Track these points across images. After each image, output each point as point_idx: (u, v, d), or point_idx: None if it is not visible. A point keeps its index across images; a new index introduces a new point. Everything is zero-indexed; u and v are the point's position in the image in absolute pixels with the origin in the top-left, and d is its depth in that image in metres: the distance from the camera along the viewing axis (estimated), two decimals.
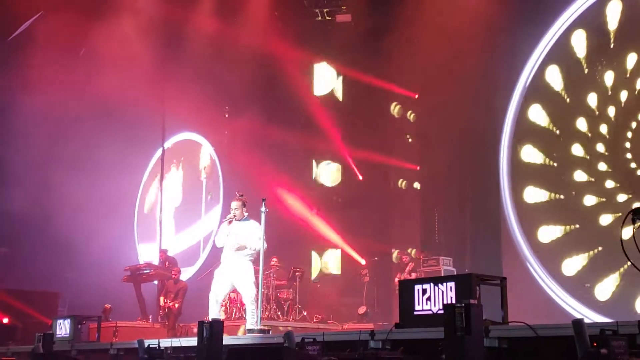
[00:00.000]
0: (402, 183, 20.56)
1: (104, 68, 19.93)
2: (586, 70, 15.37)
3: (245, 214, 11.15)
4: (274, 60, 19.68)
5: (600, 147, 14.86)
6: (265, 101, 20.66)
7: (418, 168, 19.95)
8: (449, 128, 18.51)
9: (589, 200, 14.94)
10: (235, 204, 11.15)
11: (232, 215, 11.07)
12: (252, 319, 10.91)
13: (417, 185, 20.40)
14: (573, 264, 14.99)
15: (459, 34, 16.70)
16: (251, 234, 10.97)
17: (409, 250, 18.19)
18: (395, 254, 19.51)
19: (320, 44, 20.30)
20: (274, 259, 16.66)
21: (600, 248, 14.49)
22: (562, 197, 15.65)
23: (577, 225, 15.20)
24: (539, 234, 15.88)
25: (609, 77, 14.87)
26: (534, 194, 16.23)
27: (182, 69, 21.18)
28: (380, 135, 20.62)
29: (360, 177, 20.47)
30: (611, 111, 14.77)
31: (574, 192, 15.34)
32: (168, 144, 24.14)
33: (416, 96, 20.02)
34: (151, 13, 20.56)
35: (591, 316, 13.82)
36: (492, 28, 16.30)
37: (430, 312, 7.57)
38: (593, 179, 14.94)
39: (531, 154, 16.44)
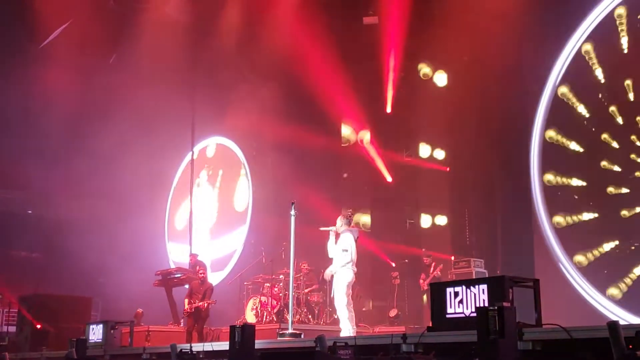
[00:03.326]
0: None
1: (134, 73, 20.11)
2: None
3: (343, 227, 11.87)
4: (302, 63, 19.69)
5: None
6: (294, 105, 20.65)
7: (448, 169, 19.82)
8: (478, 127, 18.39)
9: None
10: (338, 218, 12.04)
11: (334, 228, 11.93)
12: (345, 326, 11.52)
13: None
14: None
15: (487, 29, 16.56)
16: (339, 246, 11.76)
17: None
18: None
19: (348, 46, 20.23)
20: (304, 264, 16.64)
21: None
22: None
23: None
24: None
25: None
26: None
27: (211, 74, 21.27)
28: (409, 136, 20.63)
29: (390, 179, 20.37)
30: None
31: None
32: (198, 147, 24.26)
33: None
34: (180, 19, 20.70)
35: (627, 317, 13.64)
36: (523, 21, 16.15)
37: (462, 315, 7.51)
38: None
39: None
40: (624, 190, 14.68)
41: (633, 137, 14.55)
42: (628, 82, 14.77)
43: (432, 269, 16.98)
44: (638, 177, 14.39)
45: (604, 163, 15.09)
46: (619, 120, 14.92)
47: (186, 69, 20.60)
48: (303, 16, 19.46)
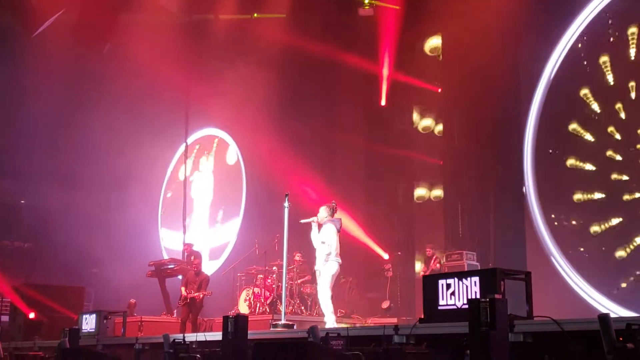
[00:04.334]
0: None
1: (127, 63, 20.05)
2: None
3: (326, 218, 11.60)
4: (297, 53, 19.68)
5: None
6: (289, 96, 20.63)
7: (442, 163, 19.86)
8: (472, 121, 18.39)
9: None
10: (323, 208, 11.75)
11: (316, 218, 11.62)
12: (330, 319, 11.23)
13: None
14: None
15: (483, 27, 16.56)
16: (320, 238, 11.50)
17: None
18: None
19: (343, 37, 20.21)
20: (298, 255, 16.65)
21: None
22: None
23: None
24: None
25: None
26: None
27: (206, 65, 21.23)
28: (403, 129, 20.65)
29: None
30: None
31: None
32: (192, 138, 24.24)
33: (439, 90, 19.90)
34: (175, 9, 20.65)
35: (617, 310, 13.70)
36: (519, 19, 16.14)
37: (454, 307, 7.54)
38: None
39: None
40: (624, 177, 14.73)
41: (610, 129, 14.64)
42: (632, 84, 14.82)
43: (432, 261, 17.05)
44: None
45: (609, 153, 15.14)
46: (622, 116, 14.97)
47: (180, 59, 20.52)
48: (299, 7, 19.46)
